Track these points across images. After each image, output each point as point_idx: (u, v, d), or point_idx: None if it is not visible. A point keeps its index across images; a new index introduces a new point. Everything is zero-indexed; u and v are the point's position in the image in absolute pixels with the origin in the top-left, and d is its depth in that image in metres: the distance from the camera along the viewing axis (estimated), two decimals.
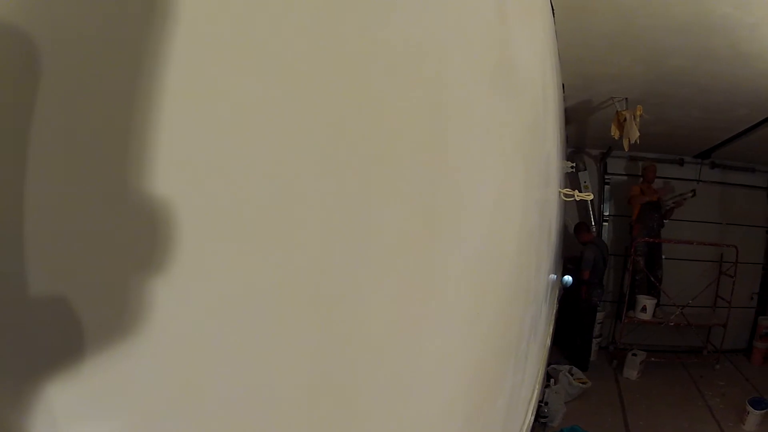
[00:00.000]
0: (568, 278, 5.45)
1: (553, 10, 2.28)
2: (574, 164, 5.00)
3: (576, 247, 5.35)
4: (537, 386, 2.30)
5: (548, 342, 3.03)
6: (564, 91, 3.68)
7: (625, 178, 6.06)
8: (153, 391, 0.26)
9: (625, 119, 3.54)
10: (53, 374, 0.21)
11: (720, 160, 5.78)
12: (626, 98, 3.68)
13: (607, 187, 6.09)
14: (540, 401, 3.81)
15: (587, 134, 5.25)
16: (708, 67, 2.96)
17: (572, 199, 2.80)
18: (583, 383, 4.51)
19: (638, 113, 3.46)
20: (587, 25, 2.57)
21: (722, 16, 2.34)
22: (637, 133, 3.46)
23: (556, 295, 3.94)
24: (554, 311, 3.78)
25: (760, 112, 3.76)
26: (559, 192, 2.90)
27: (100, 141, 0.22)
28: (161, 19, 0.23)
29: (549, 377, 4.47)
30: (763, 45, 2.59)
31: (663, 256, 5.45)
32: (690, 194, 5.34)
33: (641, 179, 5.50)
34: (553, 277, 3.20)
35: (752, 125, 4.12)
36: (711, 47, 2.69)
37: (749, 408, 3.96)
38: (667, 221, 5.41)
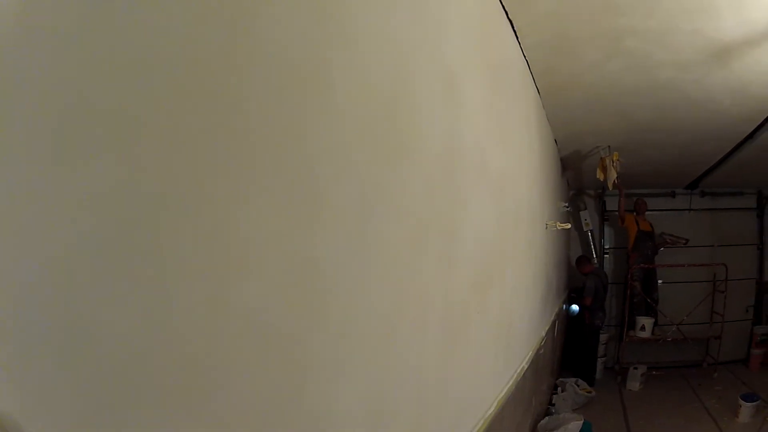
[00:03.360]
0: (574, 308, 6.35)
1: (539, 91, 3.29)
2: (567, 204, 5.86)
3: (580, 278, 6.20)
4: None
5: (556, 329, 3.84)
6: (557, 144, 4.67)
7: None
8: None
9: (605, 165, 4.47)
10: None
11: (708, 189, 6.65)
12: (609, 146, 4.61)
13: (606, 222, 6.98)
14: (550, 404, 4.60)
15: (583, 178, 6.16)
16: (668, 115, 3.84)
17: (554, 228, 3.74)
18: (588, 393, 5.22)
19: (615, 158, 4.39)
20: (565, 98, 3.53)
21: (668, 78, 3.19)
22: (615, 175, 4.39)
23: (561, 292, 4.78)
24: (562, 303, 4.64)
25: (726, 143, 4.61)
26: (546, 224, 3.80)
27: None
28: None
29: (557, 387, 5.19)
30: (709, 93, 3.39)
31: (659, 281, 6.28)
32: (684, 241, 6.24)
33: (634, 213, 6.37)
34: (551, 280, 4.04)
35: (723, 155, 5.01)
36: (666, 101, 3.56)
37: (741, 402, 4.56)
38: (661, 249, 6.29)
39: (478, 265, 1.76)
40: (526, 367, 2.78)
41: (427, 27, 1.27)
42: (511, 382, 2.39)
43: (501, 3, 2.22)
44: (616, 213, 6.58)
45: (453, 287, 1.50)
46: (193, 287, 0.57)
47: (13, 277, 0.40)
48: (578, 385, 5.27)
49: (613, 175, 4.39)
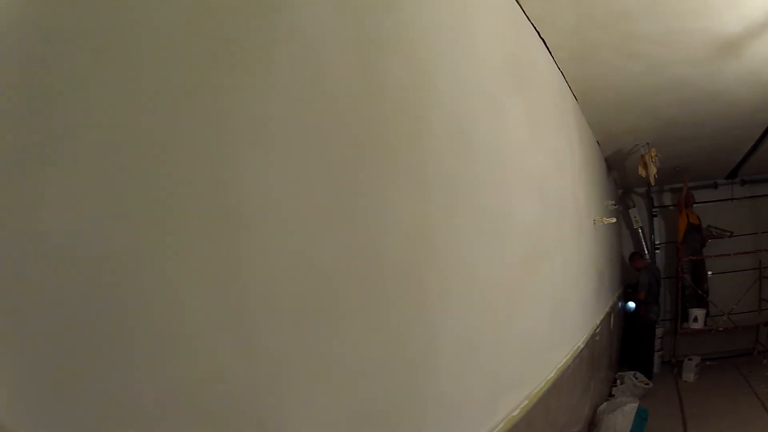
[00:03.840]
0: (631, 304, 6.52)
1: (575, 96, 3.64)
2: (614, 202, 6.07)
3: (634, 274, 6.38)
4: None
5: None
6: (600, 145, 4.97)
7: (672, 208, 7.07)
8: None
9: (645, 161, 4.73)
10: None
11: (747, 177, 6.75)
12: (647, 143, 4.86)
13: (655, 218, 7.13)
14: (609, 395, 4.82)
15: (629, 177, 6.37)
16: (691, 109, 4.10)
17: (601, 223, 4.05)
18: (645, 385, 5.40)
19: (653, 154, 4.65)
20: (599, 101, 3.85)
21: (684, 75, 3.44)
22: (655, 170, 4.64)
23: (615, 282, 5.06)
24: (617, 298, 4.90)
25: (752, 130, 4.81)
26: (593, 220, 4.10)
27: None
28: None
29: (615, 380, 5.38)
30: (723, 85, 3.63)
31: (708, 272, 6.37)
32: (729, 234, 6.36)
33: (684, 205, 6.50)
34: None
35: (753, 143, 5.19)
36: (686, 96, 3.82)
37: None
38: (708, 241, 6.40)
39: (526, 245, 2.13)
40: (582, 346, 3.08)
41: (478, 69, 1.68)
42: (568, 356, 2.71)
43: (533, 25, 2.59)
44: (669, 207, 6.72)
45: (510, 260, 1.88)
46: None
47: None
48: (636, 378, 5.44)
49: (653, 171, 4.64)
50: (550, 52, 2.95)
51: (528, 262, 2.12)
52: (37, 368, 0.51)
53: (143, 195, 0.61)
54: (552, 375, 2.34)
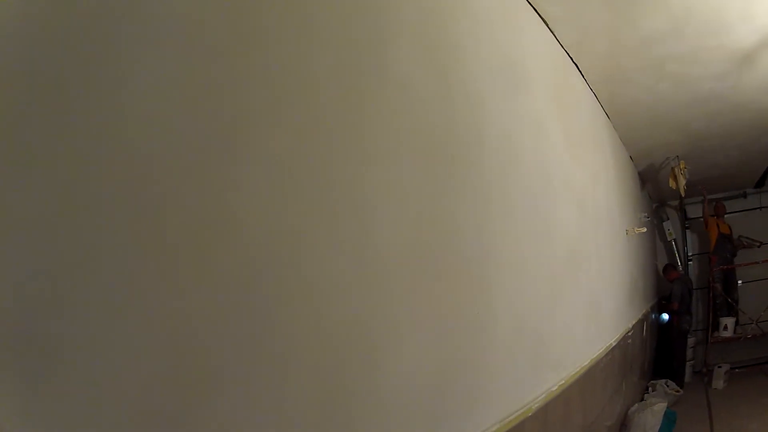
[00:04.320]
0: (664, 316, 6.71)
1: (608, 115, 3.95)
2: (646, 214, 6.27)
3: (668, 286, 6.57)
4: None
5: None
6: (633, 161, 5.25)
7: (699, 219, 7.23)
8: None
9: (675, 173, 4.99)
10: None
11: None
12: (677, 156, 5.11)
13: (688, 230, 7.30)
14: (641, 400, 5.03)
15: (662, 190, 6.58)
16: (719, 121, 4.35)
17: (633, 233, 4.33)
18: (677, 392, 5.58)
19: (682, 167, 4.90)
20: (630, 119, 4.16)
21: (709, 89, 3.73)
22: (684, 181, 4.89)
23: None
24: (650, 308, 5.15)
25: None
26: (626, 230, 4.37)
27: None
28: None
29: (648, 388, 5.58)
30: (746, 95, 3.88)
31: (739, 281, 6.52)
32: (758, 244, 6.53)
33: (715, 216, 6.68)
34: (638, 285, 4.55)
35: None
36: (713, 109, 4.09)
37: None
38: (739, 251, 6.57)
39: (567, 248, 2.46)
40: (614, 344, 3.36)
41: (523, 98, 2.04)
42: (601, 350, 3.00)
43: (567, 52, 2.93)
44: (700, 219, 6.89)
45: (553, 259, 2.22)
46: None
47: None
48: (668, 386, 5.62)
49: (682, 182, 4.88)
50: (583, 76, 3.27)
51: (569, 262, 2.45)
52: None
53: (315, 194, 0.99)
54: (587, 363, 2.64)
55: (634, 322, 4.41)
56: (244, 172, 0.84)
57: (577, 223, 2.68)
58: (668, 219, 7.36)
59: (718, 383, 5.94)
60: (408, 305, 1.21)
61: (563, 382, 2.24)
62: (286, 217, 0.92)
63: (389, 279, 1.16)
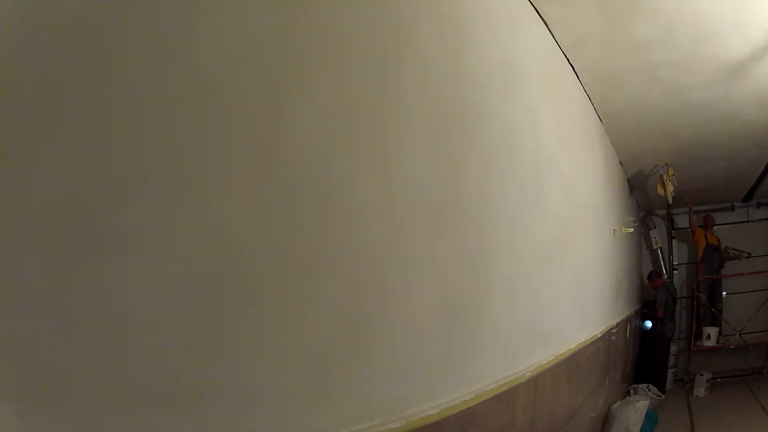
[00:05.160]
0: (648, 323, 6.92)
1: (600, 117, 4.15)
2: (633, 218, 6.49)
3: (652, 292, 6.79)
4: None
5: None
6: (623, 166, 5.47)
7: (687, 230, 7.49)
8: None
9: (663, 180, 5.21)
10: None
11: (763, 199, 7.18)
12: (666, 164, 5.33)
13: (674, 240, 7.55)
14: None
15: (650, 198, 6.81)
16: (708, 131, 4.50)
17: (621, 232, 4.53)
18: (658, 396, 5.76)
19: (670, 173, 5.12)
20: (622, 123, 4.35)
21: (700, 98, 3.84)
22: (672, 188, 5.11)
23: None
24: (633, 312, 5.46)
25: (766, 149, 5.09)
26: (613, 229, 4.57)
27: None
28: None
29: (629, 392, 5.76)
30: (736, 106, 3.98)
31: (723, 292, 6.76)
32: (746, 255, 6.79)
33: (703, 227, 6.95)
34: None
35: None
36: (702, 118, 4.22)
37: None
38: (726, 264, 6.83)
39: (558, 228, 2.66)
40: (599, 335, 3.54)
41: (520, 88, 2.22)
42: (587, 338, 3.18)
43: (564, 53, 3.12)
44: (687, 229, 7.12)
45: (544, 234, 2.41)
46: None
47: None
48: (649, 390, 5.81)
49: (670, 189, 5.11)
50: (578, 77, 3.47)
51: (558, 242, 2.65)
52: None
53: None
54: (573, 347, 2.81)
55: (618, 321, 4.60)
56: (303, 111, 1.05)
57: (565, 207, 2.88)
58: (655, 227, 7.61)
59: (700, 391, 6.11)
60: (418, 242, 1.38)
61: (552, 358, 2.40)
62: (325, 147, 1.10)
63: (406, 215, 1.33)
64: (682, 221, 7.68)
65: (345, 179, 1.14)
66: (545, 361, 2.31)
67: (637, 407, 4.29)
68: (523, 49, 2.41)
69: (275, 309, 0.96)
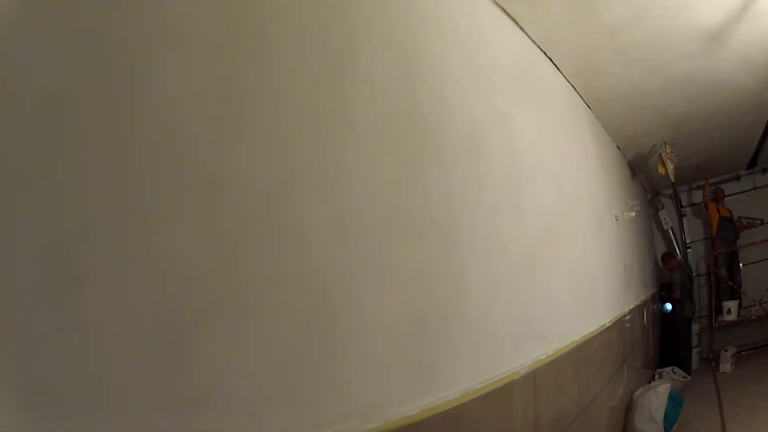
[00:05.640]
0: (668, 306, 6.87)
1: (588, 105, 4.17)
2: (637, 202, 6.47)
3: (667, 274, 6.74)
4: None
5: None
6: (621, 150, 5.46)
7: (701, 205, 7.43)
8: None
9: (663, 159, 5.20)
10: None
11: (767, 164, 7.12)
12: (663, 142, 5.31)
13: (684, 218, 7.49)
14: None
15: (654, 179, 6.79)
16: (699, 102, 4.45)
17: (623, 218, 4.52)
18: (684, 378, 5.70)
19: (668, 151, 5.11)
20: (610, 108, 4.36)
21: (683, 71, 3.81)
22: (672, 166, 5.09)
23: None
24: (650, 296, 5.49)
25: (761, 114, 5.02)
26: (615, 216, 4.56)
27: None
28: None
29: (654, 376, 5.70)
30: (722, 74, 3.91)
31: (740, 264, 6.69)
32: (759, 222, 6.71)
33: (715, 201, 6.93)
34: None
35: (765, 125, 5.46)
36: (690, 91, 4.19)
37: None
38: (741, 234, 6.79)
39: (545, 225, 2.67)
40: (608, 325, 3.53)
41: (486, 88, 2.25)
42: (594, 329, 3.17)
43: (539, 47, 3.15)
44: (696, 205, 7.05)
45: (527, 233, 2.44)
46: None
47: None
48: (674, 372, 5.75)
49: (670, 167, 5.09)
50: (559, 69, 3.49)
51: (547, 239, 2.64)
52: None
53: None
54: (578, 339, 2.81)
55: (631, 307, 4.58)
56: (251, 142, 1.15)
57: (553, 202, 2.88)
58: (663, 208, 7.57)
59: (726, 366, 6.08)
60: (383, 254, 1.43)
61: (551, 353, 2.41)
62: (278, 171, 1.19)
63: (362, 232, 1.38)
64: (686, 198, 7.63)
65: (294, 203, 1.20)
66: (543, 356, 2.32)
67: (658, 392, 4.25)
68: (491, 51, 2.45)
69: (240, 321, 1.05)
